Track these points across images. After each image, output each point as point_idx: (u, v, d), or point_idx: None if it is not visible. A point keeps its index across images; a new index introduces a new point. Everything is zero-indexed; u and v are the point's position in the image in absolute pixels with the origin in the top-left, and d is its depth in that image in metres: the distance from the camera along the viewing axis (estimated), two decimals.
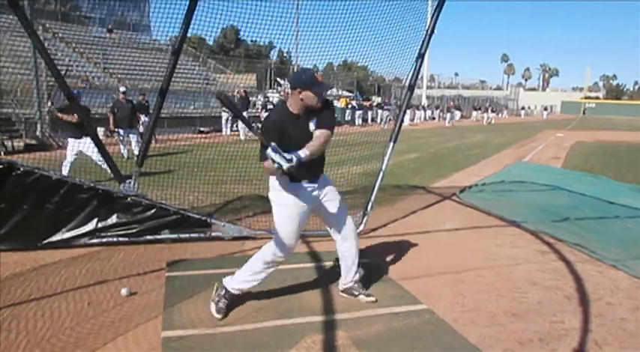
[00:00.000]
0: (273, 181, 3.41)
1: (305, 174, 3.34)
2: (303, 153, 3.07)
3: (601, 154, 16.18)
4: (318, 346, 3.08)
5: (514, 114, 59.41)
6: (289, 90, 3.35)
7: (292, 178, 3.32)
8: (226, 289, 3.49)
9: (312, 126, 3.30)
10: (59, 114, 8.03)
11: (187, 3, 4.53)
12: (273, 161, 2.95)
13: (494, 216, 6.60)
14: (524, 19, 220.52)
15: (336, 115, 3.61)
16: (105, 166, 7.60)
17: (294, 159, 2.98)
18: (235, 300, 3.55)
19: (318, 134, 3.27)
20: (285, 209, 3.39)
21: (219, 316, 3.40)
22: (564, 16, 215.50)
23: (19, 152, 11.90)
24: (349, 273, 3.78)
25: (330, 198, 3.58)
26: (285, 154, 2.96)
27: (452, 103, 41.05)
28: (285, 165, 2.95)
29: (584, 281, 4.30)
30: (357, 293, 3.79)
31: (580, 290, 4.12)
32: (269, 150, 2.96)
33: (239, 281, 3.50)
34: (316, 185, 3.47)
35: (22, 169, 4.56)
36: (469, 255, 5.01)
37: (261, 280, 3.52)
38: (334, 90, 26.95)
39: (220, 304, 3.44)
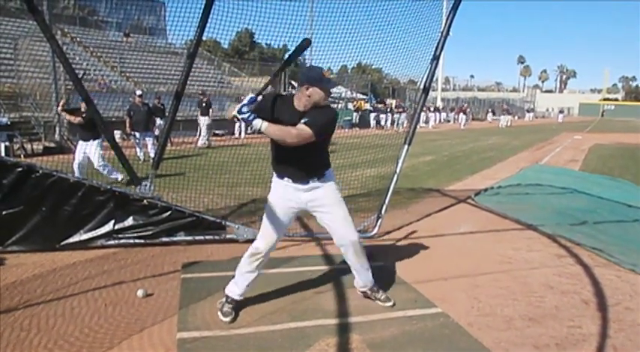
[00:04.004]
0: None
1: (286, 171, 3.39)
2: (261, 122, 3.07)
3: (620, 157, 15.92)
4: (332, 349, 3.08)
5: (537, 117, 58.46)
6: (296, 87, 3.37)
7: (278, 173, 3.42)
8: (227, 296, 3.52)
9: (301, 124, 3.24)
10: (66, 116, 8.26)
11: (203, 7, 4.58)
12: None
13: (510, 220, 6.53)
14: (541, 20, 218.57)
15: (337, 120, 3.56)
16: (104, 172, 7.87)
17: (248, 115, 3.05)
18: (244, 303, 3.58)
19: (296, 126, 3.18)
20: (271, 200, 3.45)
21: (226, 319, 3.41)
22: (582, 17, 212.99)
23: (38, 155, 12.10)
24: (360, 278, 3.77)
25: (327, 205, 3.47)
26: (247, 108, 3.06)
27: (465, 106, 40.79)
28: (235, 111, 3.05)
29: (602, 286, 4.23)
30: (373, 298, 3.78)
31: (598, 294, 4.06)
32: (247, 96, 3.10)
33: (234, 282, 3.54)
34: (304, 187, 3.40)
35: (40, 172, 4.64)
36: (484, 258, 4.97)
37: (253, 278, 3.49)
38: (348, 92, 26.94)
39: (225, 308, 3.47)
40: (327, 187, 3.48)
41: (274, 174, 3.48)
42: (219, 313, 3.46)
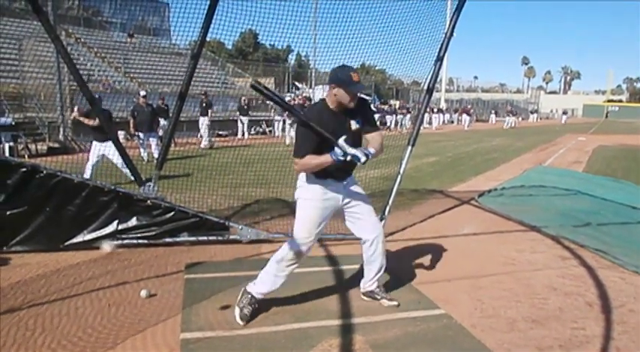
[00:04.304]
0: (301, 180, 3.44)
1: (336, 172, 3.37)
2: (372, 150, 3.20)
3: (623, 159, 15.87)
4: (335, 350, 3.07)
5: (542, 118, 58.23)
6: (326, 87, 3.38)
7: (319, 176, 3.35)
8: (251, 295, 3.46)
9: (354, 124, 3.34)
10: (82, 119, 8.22)
11: (207, 7, 4.59)
12: (345, 154, 3.10)
13: (513, 221, 6.52)
14: (545, 20, 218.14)
15: None
16: (127, 170, 7.82)
17: (369, 153, 3.14)
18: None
19: (376, 135, 3.43)
20: (310, 203, 3.39)
21: (242, 323, 3.36)
22: (586, 18, 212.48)
23: (43, 155, 12.14)
24: (372, 276, 3.74)
25: (357, 200, 3.55)
26: (362, 149, 3.15)
27: (469, 107, 40.73)
28: (363, 158, 3.11)
29: (606, 288, 4.22)
30: (379, 296, 3.77)
31: (602, 296, 4.04)
32: (341, 142, 3.11)
33: (261, 283, 3.47)
34: (344, 183, 3.47)
35: (45, 172, 4.66)
36: (488, 260, 4.96)
37: (283, 281, 3.47)
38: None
39: (245, 310, 3.40)
40: (356, 182, 3.61)
41: (309, 178, 3.38)
42: (237, 314, 3.39)
